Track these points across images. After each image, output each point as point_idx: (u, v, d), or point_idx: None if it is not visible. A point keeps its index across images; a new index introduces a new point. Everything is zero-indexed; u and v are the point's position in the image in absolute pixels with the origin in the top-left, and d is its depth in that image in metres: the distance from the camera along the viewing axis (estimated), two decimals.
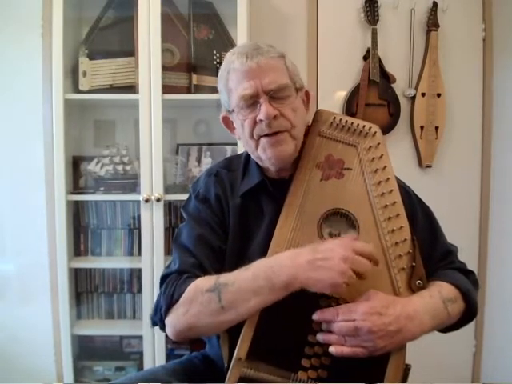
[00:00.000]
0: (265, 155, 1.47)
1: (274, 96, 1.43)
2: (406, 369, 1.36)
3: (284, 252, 1.35)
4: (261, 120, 1.42)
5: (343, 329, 1.27)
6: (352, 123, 1.53)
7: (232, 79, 1.47)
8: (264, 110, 1.40)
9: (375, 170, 1.48)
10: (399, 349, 1.33)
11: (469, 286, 1.49)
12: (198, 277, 1.40)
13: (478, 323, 3.20)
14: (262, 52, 1.45)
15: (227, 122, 1.62)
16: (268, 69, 1.43)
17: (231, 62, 1.47)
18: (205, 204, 1.57)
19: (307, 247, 1.33)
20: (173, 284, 1.41)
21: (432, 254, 1.55)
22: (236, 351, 1.31)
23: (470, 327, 3.17)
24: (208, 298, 1.33)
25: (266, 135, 1.44)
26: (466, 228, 3.19)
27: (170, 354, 2.87)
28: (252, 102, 1.44)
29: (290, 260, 1.30)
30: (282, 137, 1.44)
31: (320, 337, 1.31)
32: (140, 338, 2.85)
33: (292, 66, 1.52)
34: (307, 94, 1.59)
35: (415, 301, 1.36)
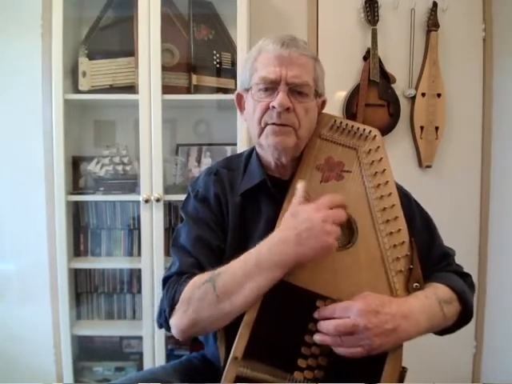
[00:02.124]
0: (266, 142, 1.49)
1: (294, 90, 1.45)
2: (403, 371, 1.36)
3: (270, 235, 1.36)
4: (273, 107, 1.43)
5: (339, 327, 1.27)
6: (352, 126, 1.54)
7: (261, 60, 1.49)
8: (280, 98, 1.42)
9: (374, 172, 1.48)
10: (395, 350, 1.34)
11: (465, 288, 1.49)
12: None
13: (478, 324, 3.20)
14: (297, 45, 1.47)
15: (240, 101, 1.63)
16: (297, 62, 1.45)
17: (265, 45, 1.49)
18: (204, 203, 1.58)
19: (285, 223, 1.35)
20: (174, 286, 1.42)
21: (429, 257, 1.55)
22: (233, 350, 1.31)
23: (470, 328, 3.17)
24: (204, 291, 1.34)
25: (273, 124, 1.46)
26: (466, 228, 3.18)
27: (169, 355, 2.87)
28: (271, 87, 1.45)
29: (278, 240, 1.32)
30: (287, 129, 1.46)
31: (317, 337, 1.31)
32: (140, 338, 2.85)
33: (320, 72, 1.54)
34: (324, 102, 1.61)
35: (411, 301, 1.37)
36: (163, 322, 1.45)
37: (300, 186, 1.39)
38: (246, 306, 1.33)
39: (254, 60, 1.51)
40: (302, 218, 1.31)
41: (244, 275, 1.31)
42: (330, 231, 1.28)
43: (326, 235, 1.28)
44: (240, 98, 1.62)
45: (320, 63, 1.55)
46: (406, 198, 1.57)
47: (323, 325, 1.30)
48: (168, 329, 1.44)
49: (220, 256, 1.51)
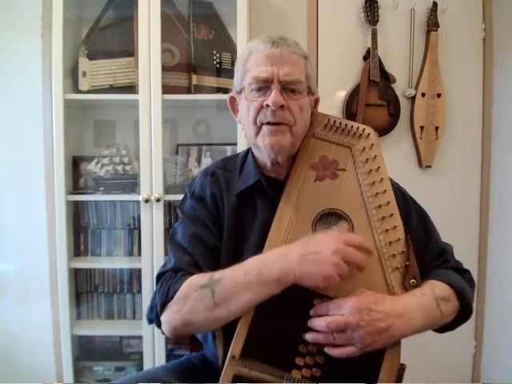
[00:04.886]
0: (262, 142, 1.49)
1: (287, 88, 1.45)
2: (401, 368, 1.35)
3: (276, 248, 1.36)
4: (267, 106, 1.44)
5: (332, 324, 1.27)
6: (346, 125, 1.55)
7: (252, 60, 1.49)
8: (273, 96, 1.42)
9: (369, 170, 1.49)
10: (393, 347, 1.33)
11: (464, 284, 1.48)
12: (192, 274, 1.41)
13: (477, 324, 3.19)
14: (287, 44, 1.48)
15: (233, 104, 1.64)
16: (289, 61, 1.46)
17: (255, 45, 1.50)
18: (200, 203, 1.58)
19: (298, 242, 1.34)
20: (168, 282, 1.42)
21: (426, 253, 1.55)
22: (230, 349, 1.31)
23: (470, 328, 3.17)
24: (201, 294, 1.34)
25: (268, 123, 1.46)
26: (466, 228, 3.18)
27: (169, 355, 2.87)
28: (264, 86, 1.46)
29: (282, 255, 1.32)
30: (283, 128, 1.46)
31: (309, 336, 1.31)
32: (140, 338, 2.86)
33: (311, 70, 1.55)
34: (317, 100, 1.61)
35: (406, 299, 1.37)
36: (154, 317, 1.44)
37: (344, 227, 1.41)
38: (242, 313, 1.33)
39: (244, 61, 1.52)
40: (315, 242, 1.32)
41: (244, 286, 1.31)
42: (336, 264, 1.26)
43: (329, 265, 1.26)
44: (233, 101, 1.63)
45: (310, 61, 1.56)
46: (401, 195, 1.57)
47: (315, 322, 1.30)
48: (158, 325, 1.44)
49: (216, 254, 1.51)
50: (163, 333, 1.44)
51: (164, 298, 1.40)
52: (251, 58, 1.50)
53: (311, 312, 1.32)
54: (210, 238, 1.51)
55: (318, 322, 1.30)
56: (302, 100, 1.48)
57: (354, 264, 1.30)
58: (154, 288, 1.45)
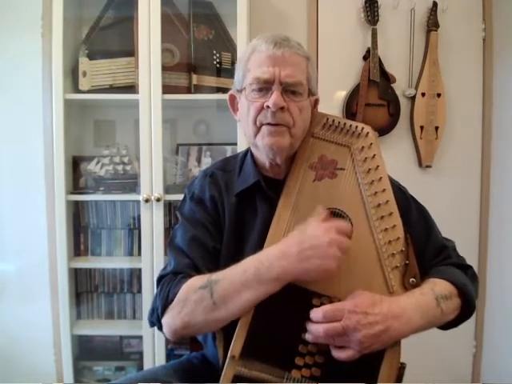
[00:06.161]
0: (261, 142, 1.48)
1: (287, 89, 1.45)
2: (401, 368, 1.35)
3: (273, 246, 1.36)
4: (268, 107, 1.43)
5: (329, 331, 1.27)
6: (345, 124, 1.54)
7: (254, 60, 1.49)
8: (274, 98, 1.42)
9: (368, 169, 1.48)
10: (393, 347, 1.33)
11: (465, 280, 1.48)
12: (192, 277, 1.41)
13: (478, 323, 3.19)
14: (290, 45, 1.47)
15: (232, 102, 1.64)
16: (291, 62, 1.46)
17: (258, 45, 1.49)
18: (200, 205, 1.58)
19: (292, 238, 1.35)
20: (168, 285, 1.42)
21: (426, 250, 1.55)
22: (230, 349, 1.31)
23: (470, 327, 3.17)
24: (200, 295, 1.34)
25: (268, 124, 1.46)
26: (466, 228, 3.18)
27: (169, 354, 2.87)
28: (265, 86, 1.45)
29: (280, 253, 1.32)
30: (282, 129, 1.46)
31: (308, 336, 1.31)
32: (140, 338, 2.86)
33: (312, 71, 1.54)
34: (316, 101, 1.61)
35: (404, 299, 1.36)
36: (155, 320, 1.45)
37: (321, 211, 1.40)
38: (242, 313, 1.33)
39: (246, 60, 1.51)
40: (309, 235, 1.32)
41: (242, 285, 1.32)
42: (334, 255, 1.28)
43: (328, 258, 1.28)
44: (233, 98, 1.63)
45: (312, 62, 1.56)
46: (400, 192, 1.57)
47: (313, 329, 1.30)
48: (160, 327, 1.44)
49: (215, 256, 1.51)
50: (165, 336, 1.45)
51: (164, 301, 1.40)
52: (253, 57, 1.49)
53: (312, 314, 1.32)
54: (209, 241, 1.52)
55: (316, 329, 1.29)
56: (303, 102, 1.48)
57: (347, 251, 1.31)
58: (155, 288, 1.46)
